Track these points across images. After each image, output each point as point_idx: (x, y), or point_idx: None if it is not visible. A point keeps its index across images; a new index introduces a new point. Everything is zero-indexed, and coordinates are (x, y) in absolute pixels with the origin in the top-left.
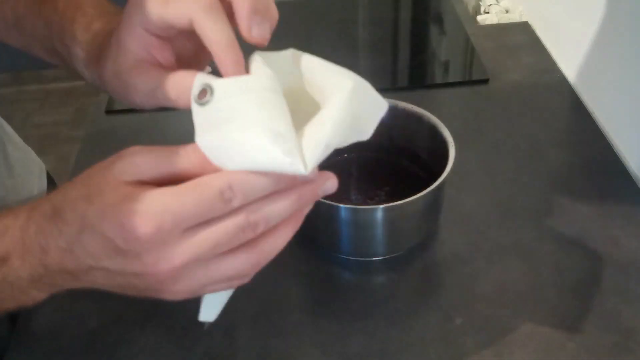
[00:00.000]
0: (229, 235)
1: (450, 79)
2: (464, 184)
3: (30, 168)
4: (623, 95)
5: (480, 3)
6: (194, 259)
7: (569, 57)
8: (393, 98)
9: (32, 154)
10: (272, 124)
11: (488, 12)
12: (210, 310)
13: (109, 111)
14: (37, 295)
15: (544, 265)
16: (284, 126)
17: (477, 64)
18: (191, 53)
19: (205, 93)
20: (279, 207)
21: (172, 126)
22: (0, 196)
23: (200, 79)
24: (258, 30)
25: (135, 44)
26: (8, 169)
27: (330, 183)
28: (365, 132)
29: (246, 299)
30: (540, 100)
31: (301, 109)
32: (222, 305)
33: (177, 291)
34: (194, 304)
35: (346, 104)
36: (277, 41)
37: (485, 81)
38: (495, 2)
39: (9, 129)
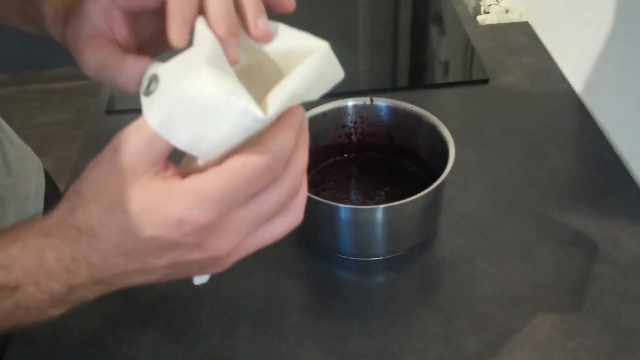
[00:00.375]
0: (279, 204)
1: (450, 79)
2: (464, 184)
3: (28, 166)
4: (623, 95)
5: (480, 3)
6: (251, 233)
7: (569, 57)
8: (393, 98)
9: (30, 152)
10: (223, 87)
11: (488, 12)
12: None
13: (109, 111)
14: (55, 312)
15: (544, 265)
16: (233, 85)
17: (477, 64)
18: (150, 36)
19: (150, 84)
20: (303, 158)
21: None
22: None
23: (150, 70)
24: (263, 25)
25: (98, 14)
26: (6, 168)
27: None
28: (316, 93)
29: (246, 299)
30: (540, 100)
31: (266, 75)
32: None
33: (229, 263)
34: (194, 303)
35: (319, 61)
36: None
37: (485, 81)
38: (495, 2)
39: (6, 127)
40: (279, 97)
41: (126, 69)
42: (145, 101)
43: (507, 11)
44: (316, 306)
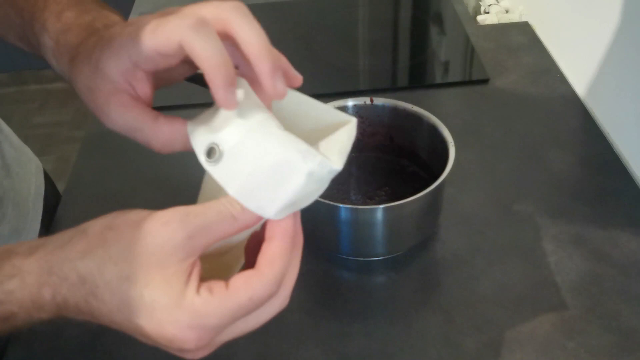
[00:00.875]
0: (266, 318)
1: (450, 79)
2: (464, 184)
3: (27, 167)
4: (623, 95)
5: (480, 3)
6: (229, 340)
7: (569, 57)
8: (393, 98)
9: (29, 152)
10: (293, 146)
11: (488, 12)
12: None
13: None
14: (42, 319)
15: (544, 265)
16: (301, 143)
17: (477, 64)
18: (167, 83)
19: (212, 152)
20: (295, 271)
21: None
22: None
23: (203, 141)
24: (281, 85)
25: (119, 74)
26: (5, 169)
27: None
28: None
29: None
30: (540, 100)
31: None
32: None
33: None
34: None
35: (352, 131)
36: (278, 42)
37: (485, 81)
38: (495, 2)
39: (5, 127)
40: (343, 150)
41: (161, 132)
42: (213, 170)
43: (507, 11)
44: (316, 306)
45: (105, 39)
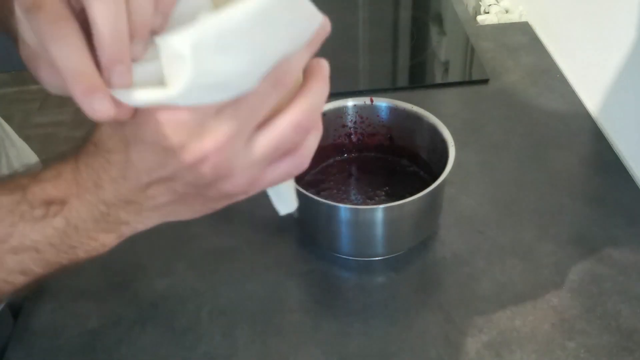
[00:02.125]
0: (286, 137)
1: (450, 79)
2: (464, 184)
3: (28, 164)
4: (623, 94)
5: (480, 3)
6: (263, 167)
7: (569, 57)
8: (393, 98)
9: (29, 150)
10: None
11: (488, 12)
12: (284, 203)
13: None
14: (106, 239)
15: (544, 265)
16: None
17: (477, 64)
18: None
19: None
20: (316, 94)
21: None
22: None
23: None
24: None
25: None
26: (10, 169)
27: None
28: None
29: (246, 299)
30: (540, 100)
31: None
32: (293, 195)
33: (237, 185)
34: (194, 304)
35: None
36: None
37: (485, 81)
38: (495, 2)
39: (6, 126)
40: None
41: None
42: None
43: (507, 11)
44: (316, 306)
45: None
